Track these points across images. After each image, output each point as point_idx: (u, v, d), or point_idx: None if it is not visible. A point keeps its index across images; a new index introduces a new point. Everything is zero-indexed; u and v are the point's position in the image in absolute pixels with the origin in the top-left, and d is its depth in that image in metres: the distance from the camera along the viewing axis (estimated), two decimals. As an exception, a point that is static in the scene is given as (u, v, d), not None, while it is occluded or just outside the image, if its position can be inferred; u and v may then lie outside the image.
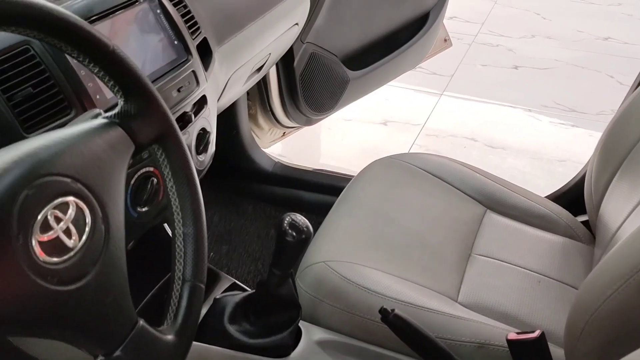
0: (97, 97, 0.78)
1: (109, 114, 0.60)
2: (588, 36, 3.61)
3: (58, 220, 0.50)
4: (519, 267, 1.11)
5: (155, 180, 0.85)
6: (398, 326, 0.87)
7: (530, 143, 2.61)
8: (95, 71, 0.59)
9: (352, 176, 1.61)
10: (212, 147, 1.02)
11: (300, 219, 0.86)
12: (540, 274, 1.10)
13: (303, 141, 2.41)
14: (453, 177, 1.29)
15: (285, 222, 0.85)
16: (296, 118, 1.76)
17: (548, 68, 3.25)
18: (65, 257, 0.51)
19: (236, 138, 1.63)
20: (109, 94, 0.79)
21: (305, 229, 0.85)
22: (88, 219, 0.53)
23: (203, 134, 0.98)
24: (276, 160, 1.74)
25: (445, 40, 2.12)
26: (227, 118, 1.58)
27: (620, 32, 3.63)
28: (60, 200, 0.51)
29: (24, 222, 0.48)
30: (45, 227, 0.49)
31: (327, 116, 1.84)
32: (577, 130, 2.71)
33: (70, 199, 0.52)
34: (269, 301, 0.92)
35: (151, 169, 0.84)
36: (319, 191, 1.64)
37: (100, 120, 0.59)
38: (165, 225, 1.09)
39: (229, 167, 1.70)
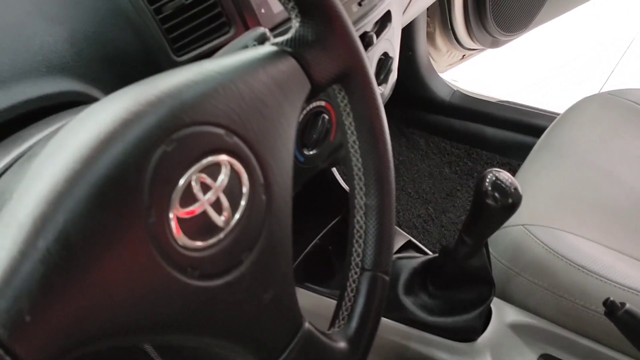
0: (262, 10, 0.62)
1: (279, 39, 0.43)
2: None
3: (205, 188, 0.36)
4: None
5: (327, 117, 0.69)
6: (630, 325, 0.65)
7: None
8: None
9: (552, 113, 1.35)
10: (393, 76, 0.84)
11: (507, 178, 0.66)
12: None
13: (483, 67, 2.12)
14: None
15: (487, 180, 0.65)
16: (480, 39, 1.51)
17: None
18: (213, 240, 0.36)
19: (411, 60, 1.42)
20: (276, 6, 0.63)
21: (512, 191, 0.65)
22: (245, 187, 0.38)
23: (385, 60, 0.79)
24: (455, 89, 1.51)
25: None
26: (402, 37, 1.37)
27: None
28: (209, 159, 0.36)
29: (159, 192, 0.33)
30: (188, 198, 0.35)
31: (517, 37, 1.57)
32: None
33: (223, 158, 0.36)
34: (454, 273, 0.74)
35: (322, 103, 0.69)
36: (507, 128, 1.40)
37: (267, 48, 0.42)
38: (334, 169, 0.94)
39: (400, 94, 1.49)
